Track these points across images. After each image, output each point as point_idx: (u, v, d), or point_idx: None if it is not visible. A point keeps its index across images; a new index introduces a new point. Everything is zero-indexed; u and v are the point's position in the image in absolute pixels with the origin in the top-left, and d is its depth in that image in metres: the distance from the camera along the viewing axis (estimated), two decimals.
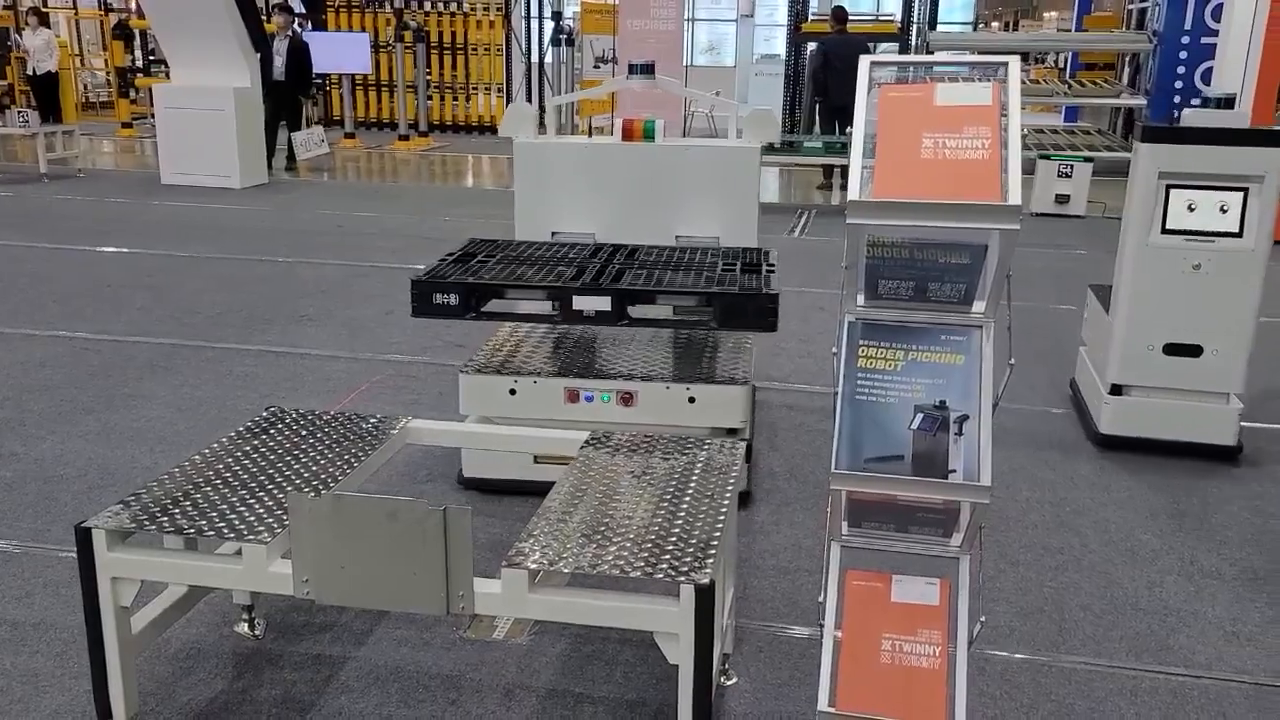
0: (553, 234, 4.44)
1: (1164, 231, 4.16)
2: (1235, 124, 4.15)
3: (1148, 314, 4.23)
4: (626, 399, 3.73)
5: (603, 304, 3.44)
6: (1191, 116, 4.20)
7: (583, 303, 3.45)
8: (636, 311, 3.51)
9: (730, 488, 2.55)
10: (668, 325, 3.91)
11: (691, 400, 3.70)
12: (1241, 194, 4.10)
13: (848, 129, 11.95)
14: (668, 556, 2.21)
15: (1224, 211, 4.10)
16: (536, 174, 4.45)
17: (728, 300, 3.44)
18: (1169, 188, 4.14)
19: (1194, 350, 4.21)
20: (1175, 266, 4.17)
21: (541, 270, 3.71)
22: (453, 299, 3.53)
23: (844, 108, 12.06)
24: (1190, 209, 4.12)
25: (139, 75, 17.38)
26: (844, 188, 12.28)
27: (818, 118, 12.31)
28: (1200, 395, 4.28)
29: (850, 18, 12.13)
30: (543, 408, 3.74)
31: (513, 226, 4.56)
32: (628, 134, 4.43)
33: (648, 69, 4.71)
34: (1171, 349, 4.23)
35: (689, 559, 2.20)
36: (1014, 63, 2.06)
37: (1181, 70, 12.53)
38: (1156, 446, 4.32)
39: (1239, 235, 4.12)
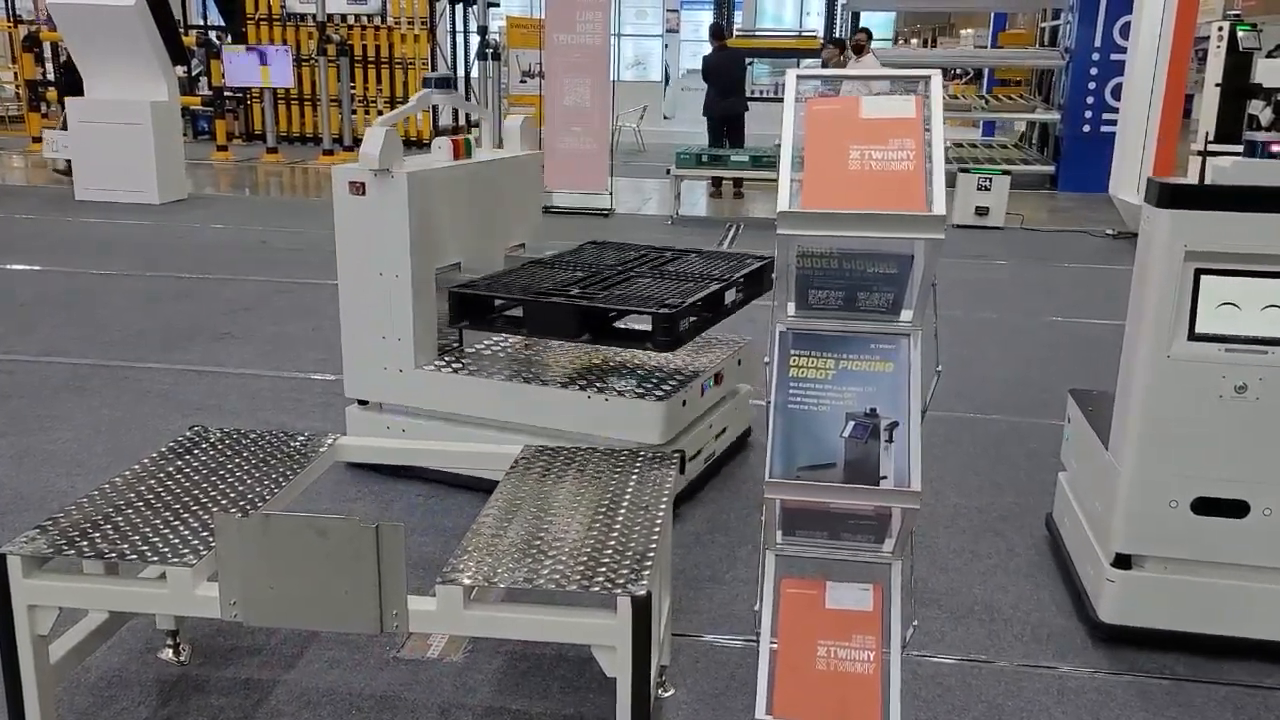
0: (436, 271, 4.05)
1: (1193, 338, 2.88)
2: None
3: (1169, 456, 2.93)
4: (719, 378, 4.18)
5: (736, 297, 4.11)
6: (1235, 170, 3.01)
7: (728, 296, 4.06)
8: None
9: (665, 499, 2.56)
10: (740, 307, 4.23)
11: (739, 363, 4.36)
12: None
13: (729, 138, 12.18)
14: (604, 569, 2.21)
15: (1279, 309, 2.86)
16: (424, 206, 3.93)
17: (763, 270, 4.26)
18: (1199, 273, 2.85)
19: (1238, 508, 2.94)
20: (1210, 388, 2.87)
21: (643, 283, 3.97)
22: (688, 322, 3.72)
23: (726, 118, 12.26)
24: (1231, 306, 2.86)
25: (51, 88, 16.88)
26: (737, 195, 12.49)
27: (707, 131, 12.56)
28: (1247, 572, 2.98)
29: (769, 33, 12.35)
30: (697, 410, 4.00)
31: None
32: (456, 153, 4.24)
33: (444, 82, 4.54)
34: (1204, 505, 2.96)
35: (625, 571, 2.20)
36: (936, 76, 2.11)
37: (1092, 86, 12.97)
38: (1184, 643, 3.06)
39: None
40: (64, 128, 12.38)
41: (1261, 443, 2.89)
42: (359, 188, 3.88)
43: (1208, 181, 2.93)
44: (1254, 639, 3.01)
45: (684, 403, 3.83)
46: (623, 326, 3.85)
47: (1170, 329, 2.88)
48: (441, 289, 4.01)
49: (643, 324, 3.71)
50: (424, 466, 3.95)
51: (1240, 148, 7.66)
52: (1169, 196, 2.84)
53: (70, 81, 12.33)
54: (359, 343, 4.07)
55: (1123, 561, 3.07)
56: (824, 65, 12.35)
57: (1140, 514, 3.00)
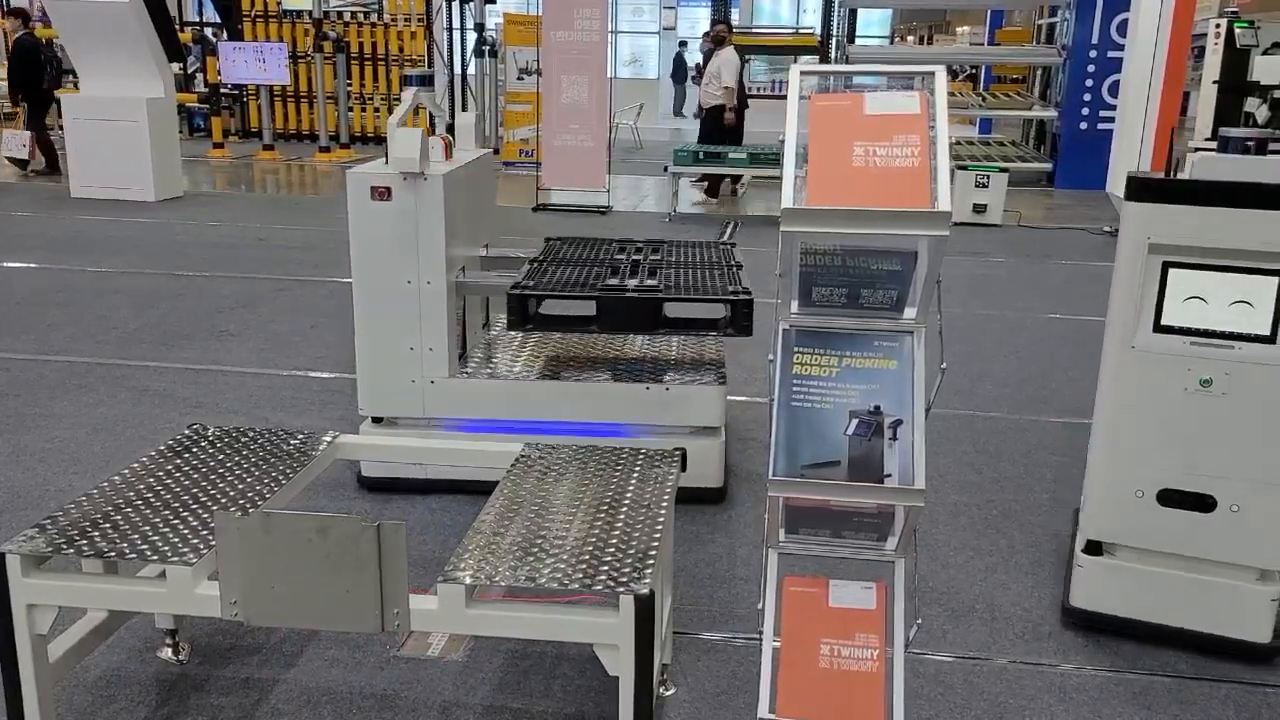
0: (457, 280, 3.91)
1: (1158, 330, 2.86)
2: (1270, 177, 2.76)
3: (1134, 446, 2.92)
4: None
5: None
6: (1204, 165, 2.90)
7: None
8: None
9: (667, 497, 2.55)
10: None
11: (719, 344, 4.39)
12: (1276, 280, 2.76)
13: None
14: (606, 568, 2.20)
15: (1247, 305, 2.79)
16: (452, 209, 3.76)
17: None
18: (1166, 267, 2.83)
19: (1204, 502, 2.88)
20: (1174, 380, 2.82)
21: (673, 273, 4.00)
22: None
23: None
24: (1198, 299, 2.82)
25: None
26: (733, 193, 12.46)
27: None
28: (1213, 567, 2.93)
29: (765, 30, 12.36)
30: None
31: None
32: (446, 153, 4.02)
33: (424, 80, 4.37)
34: (1169, 498, 2.91)
35: (628, 569, 2.19)
36: (940, 72, 2.10)
37: (1090, 83, 12.96)
38: (1148, 633, 3.05)
39: (1270, 340, 2.77)
40: (26, 126, 12.49)
41: (1228, 438, 2.84)
42: (383, 193, 3.67)
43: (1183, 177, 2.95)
44: (1220, 635, 2.98)
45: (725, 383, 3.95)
46: (676, 316, 3.85)
47: (1136, 320, 2.87)
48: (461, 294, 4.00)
49: (693, 311, 3.78)
50: (433, 479, 3.92)
51: None
52: (1140, 189, 2.86)
53: (25, 81, 12.30)
54: (380, 356, 3.81)
55: (1094, 548, 3.08)
56: (705, 57, 12.56)
57: (1107, 502, 3.01)
